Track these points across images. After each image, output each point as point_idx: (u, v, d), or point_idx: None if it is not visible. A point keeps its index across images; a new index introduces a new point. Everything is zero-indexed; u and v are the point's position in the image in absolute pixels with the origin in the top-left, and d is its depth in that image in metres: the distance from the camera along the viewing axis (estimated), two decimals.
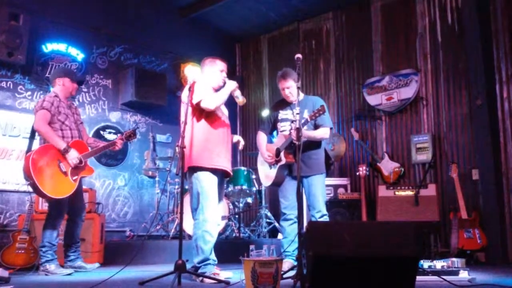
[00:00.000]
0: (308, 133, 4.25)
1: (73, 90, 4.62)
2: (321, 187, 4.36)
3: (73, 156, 4.19)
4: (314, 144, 4.37)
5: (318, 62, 7.75)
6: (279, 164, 4.31)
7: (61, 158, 4.18)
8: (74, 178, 4.22)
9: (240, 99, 3.85)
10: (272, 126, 4.60)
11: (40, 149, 4.18)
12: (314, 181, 4.33)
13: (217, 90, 3.90)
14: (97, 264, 4.70)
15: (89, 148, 4.50)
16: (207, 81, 3.90)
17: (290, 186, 4.36)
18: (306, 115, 4.22)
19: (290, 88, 4.35)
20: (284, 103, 4.51)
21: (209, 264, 3.64)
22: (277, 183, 4.38)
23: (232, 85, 3.83)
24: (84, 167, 4.34)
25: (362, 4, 7.26)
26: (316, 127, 4.38)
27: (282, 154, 4.26)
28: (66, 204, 4.34)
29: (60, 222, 4.38)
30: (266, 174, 4.49)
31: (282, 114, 4.49)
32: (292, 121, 4.08)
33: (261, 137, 4.56)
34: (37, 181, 3.98)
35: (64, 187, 4.15)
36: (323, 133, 4.35)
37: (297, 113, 3.50)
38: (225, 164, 3.85)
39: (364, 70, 7.16)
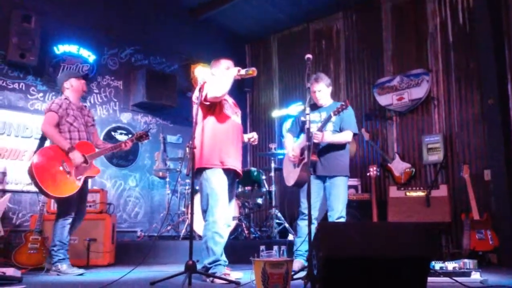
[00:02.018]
0: (328, 137, 4.31)
1: (83, 86, 4.65)
2: (343, 189, 4.38)
3: (76, 156, 4.21)
4: (340, 145, 4.41)
5: (328, 62, 7.73)
6: (303, 162, 4.33)
7: (65, 158, 4.20)
8: (79, 177, 4.25)
9: (250, 71, 3.81)
10: (300, 129, 4.63)
11: (45, 149, 4.26)
12: (337, 182, 4.35)
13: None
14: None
15: (97, 149, 4.53)
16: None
17: (312, 186, 4.36)
18: (333, 119, 4.31)
19: (321, 91, 4.50)
20: (313, 107, 4.56)
21: (220, 264, 3.63)
22: (299, 183, 4.38)
23: (233, 71, 3.81)
24: (90, 167, 4.36)
25: (373, 4, 7.23)
26: (341, 131, 4.44)
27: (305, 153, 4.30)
28: (75, 203, 4.35)
29: (70, 221, 4.37)
30: (290, 174, 4.53)
31: (310, 116, 4.53)
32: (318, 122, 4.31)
33: (289, 139, 4.66)
34: (39, 180, 4.01)
35: (67, 187, 4.16)
36: (343, 136, 4.40)
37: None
38: (235, 164, 3.84)
39: (375, 70, 7.13)
